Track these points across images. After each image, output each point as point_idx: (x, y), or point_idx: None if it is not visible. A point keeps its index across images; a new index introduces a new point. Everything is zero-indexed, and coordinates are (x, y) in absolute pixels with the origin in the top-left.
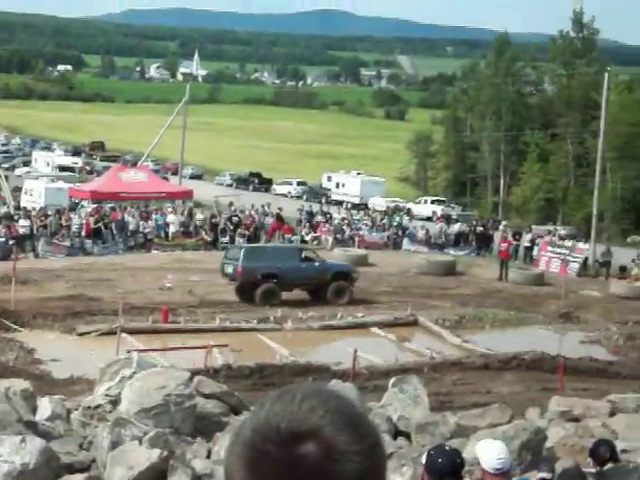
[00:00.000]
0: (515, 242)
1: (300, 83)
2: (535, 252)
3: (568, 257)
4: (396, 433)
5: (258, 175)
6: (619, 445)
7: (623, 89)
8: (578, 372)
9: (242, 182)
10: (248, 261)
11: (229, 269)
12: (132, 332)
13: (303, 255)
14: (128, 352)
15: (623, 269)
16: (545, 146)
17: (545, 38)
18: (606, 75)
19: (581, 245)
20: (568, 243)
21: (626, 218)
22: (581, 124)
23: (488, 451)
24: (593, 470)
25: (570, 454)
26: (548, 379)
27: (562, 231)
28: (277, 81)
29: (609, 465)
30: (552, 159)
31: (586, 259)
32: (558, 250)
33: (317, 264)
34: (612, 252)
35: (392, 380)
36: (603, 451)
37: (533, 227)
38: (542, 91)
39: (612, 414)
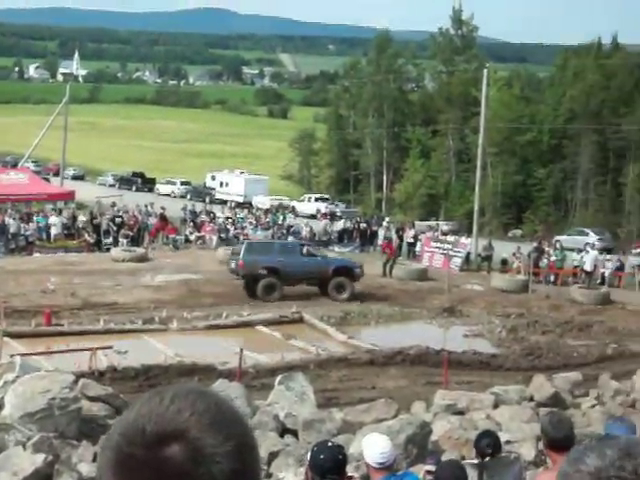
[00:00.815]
0: (398, 240)
1: (182, 82)
2: (418, 248)
3: (451, 252)
4: (283, 431)
5: (141, 175)
6: (502, 437)
7: (502, 85)
8: (462, 366)
9: (125, 182)
10: (249, 255)
11: (233, 264)
12: (15, 336)
13: (305, 250)
14: (11, 356)
15: (504, 263)
16: (427, 142)
17: (425, 35)
18: (485, 72)
19: (463, 240)
20: (450, 238)
21: (507, 212)
22: (462, 120)
23: (371, 446)
24: (476, 462)
25: (455, 447)
26: (433, 373)
27: (444, 226)
28: (159, 80)
29: (492, 456)
30: (434, 155)
31: (468, 254)
32: (441, 245)
33: (318, 259)
34: (494, 246)
35: (278, 378)
36: (485, 443)
37: (416, 223)
38: (423, 88)
39: (496, 406)
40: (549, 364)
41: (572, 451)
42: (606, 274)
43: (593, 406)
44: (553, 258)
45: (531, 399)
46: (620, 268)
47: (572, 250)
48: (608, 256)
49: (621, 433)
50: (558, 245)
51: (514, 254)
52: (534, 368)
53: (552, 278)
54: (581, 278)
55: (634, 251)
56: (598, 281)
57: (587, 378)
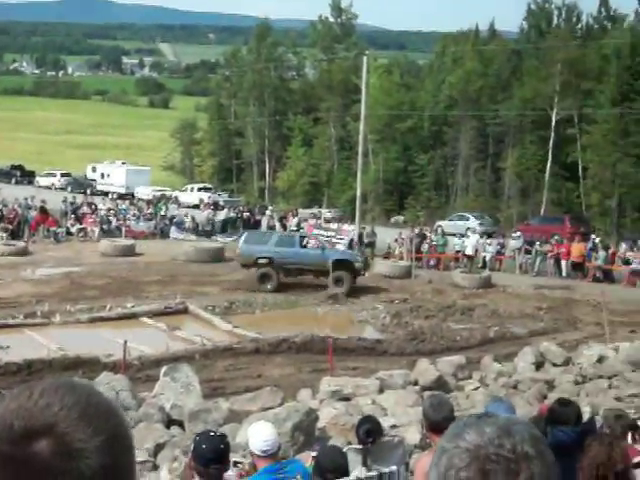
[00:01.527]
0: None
1: (61, 73)
2: None
3: (334, 239)
4: (169, 422)
5: (20, 167)
6: (388, 421)
7: (382, 72)
8: (347, 352)
9: (4, 175)
10: (247, 245)
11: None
12: None
13: (305, 242)
14: None
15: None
16: (308, 130)
17: (306, 24)
18: (365, 59)
19: (346, 227)
20: (333, 225)
21: (389, 199)
22: (343, 108)
23: (255, 434)
24: (359, 447)
25: (341, 433)
26: (318, 360)
27: (327, 214)
28: (37, 71)
29: (373, 442)
30: (316, 143)
31: (351, 240)
32: (324, 233)
33: (317, 251)
34: (376, 233)
35: (164, 369)
36: (364, 429)
37: (300, 211)
38: (304, 76)
39: (381, 391)
40: (433, 348)
41: (451, 427)
42: (487, 258)
43: (476, 388)
44: (435, 243)
45: (415, 383)
46: (501, 252)
47: (454, 235)
48: (489, 240)
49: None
50: (439, 230)
51: (396, 240)
52: (418, 352)
53: (434, 263)
54: (463, 262)
55: (514, 234)
56: (479, 265)
57: (470, 361)
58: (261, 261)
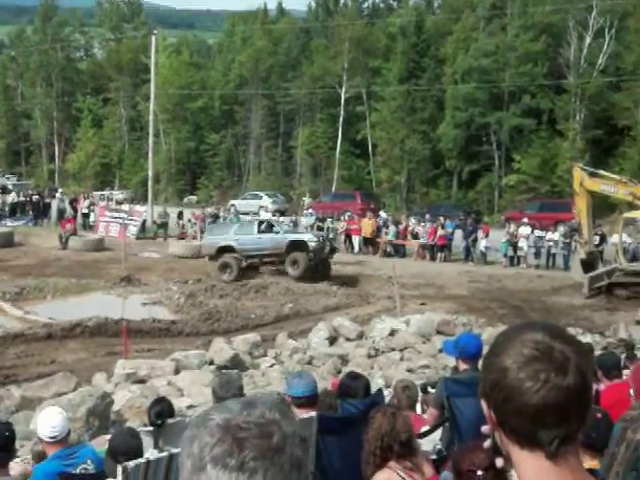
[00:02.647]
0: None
1: None
2: (93, 218)
3: (126, 221)
4: None
5: None
6: (184, 401)
7: (172, 52)
8: (142, 334)
9: None
10: (210, 235)
11: None
12: None
13: (263, 227)
14: None
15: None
16: (98, 111)
17: (92, 3)
18: (153, 39)
19: (138, 208)
20: (125, 207)
21: (181, 179)
22: (133, 88)
23: (43, 421)
24: (150, 428)
25: (137, 415)
26: (113, 343)
27: (119, 195)
28: None
29: (163, 423)
30: (106, 124)
31: (144, 221)
32: (116, 215)
33: (273, 235)
34: (169, 213)
35: None
36: (155, 411)
37: (93, 193)
38: (92, 56)
39: (177, 372)
40: (228, 327)
41: (194, 418)
42: None
43: (272, 365)
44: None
45: (211, 363)
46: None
47: (247, 214)
48: (282, 218)
49: (304, 389)
50: (233, 209)
51: (189, 220)
52: (213, 332)
53: None
54: None
55: (306, 212)
56: None
57: (265, 339)
58: (222, 250)
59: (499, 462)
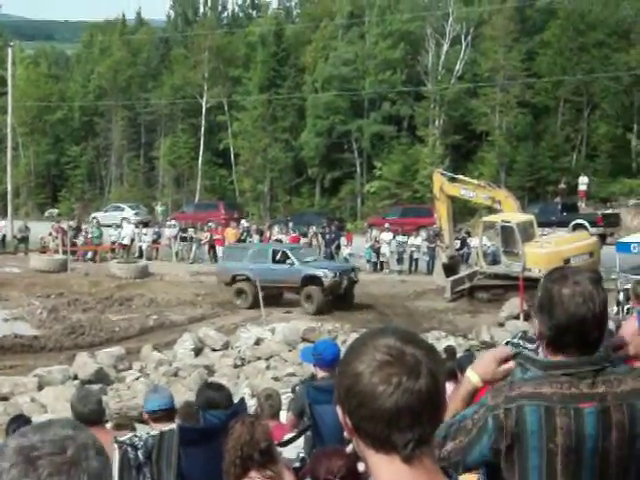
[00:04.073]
0: None
1: None
2: None
3: None
4: None
5: None
6: (47, 418)
7: (29, 64)
8: (4, 350)
9: None
10: (226, 261)
11: None
12: None
13: (278, 256)
14: None
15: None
16: None
17: None
18: (10, 50)
19: None
20: None
21: (42, 192)
22: None
23: None
24: None
25: None
26: None
27: None
28: None
29: None
30: None
31: (4, 236)
32: None
33: (288, 267)
34: (30, 227)
35: None
36: (13, 427)
37: None
38: None
39: (40, 388)
40: (92, 341)
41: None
42: (143, 247)
43: (137, 378)
44: (90, 235)
45: (75, 377)
46: (157, 240)
47: (109, 226)
48: (145, 230)
49: (159, 402)
50: (95, 222)
51: (50, 234)
52: (77, 346)
53: (91, 255)
54: (119, 253)
55: (169, 223)
56: (136, 255)
57: (130, 351)
58: (237, 278)
59: (361, 467)
